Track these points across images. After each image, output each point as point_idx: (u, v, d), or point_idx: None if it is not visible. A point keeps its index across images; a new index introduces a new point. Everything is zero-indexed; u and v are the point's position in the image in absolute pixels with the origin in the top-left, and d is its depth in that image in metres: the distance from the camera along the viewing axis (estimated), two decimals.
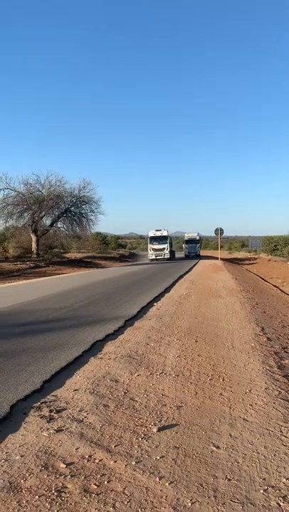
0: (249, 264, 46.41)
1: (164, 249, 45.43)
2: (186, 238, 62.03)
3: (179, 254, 60.58)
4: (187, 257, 56.72)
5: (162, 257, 44.98)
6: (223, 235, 48.31)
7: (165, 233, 46.37)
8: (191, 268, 27.76)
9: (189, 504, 2.63)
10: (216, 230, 45.94)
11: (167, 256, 45.10)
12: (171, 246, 48.06)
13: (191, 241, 60.11)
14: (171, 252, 47.81)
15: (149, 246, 46.48)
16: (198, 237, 60.90)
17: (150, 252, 45.99)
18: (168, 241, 45.83)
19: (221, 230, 46.28)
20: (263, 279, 24.07)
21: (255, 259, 55.65)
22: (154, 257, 45.39)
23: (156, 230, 46.67)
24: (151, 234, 46.61)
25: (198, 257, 54.86)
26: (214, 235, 48.29)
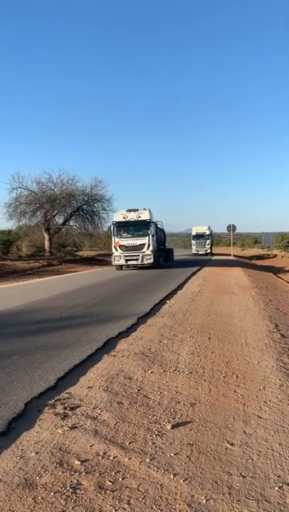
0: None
1: (142, 246, 23.60)
2: (193, 233, 51.28)
3: (184, 253, 49.64)
4: (195, 255, 46.84)
5: (139, 261, 23.62)
6: (236, 231, 47.92)
7: (145, 215, 24.32)
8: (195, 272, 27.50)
9: (204, 501, 2.63)
10: (229, 226, 45.53)
11: (149, 259, 23.61)
12: (160, 242, 27.85)
13: (199, 236, 50.01)
14: (161, 252, 27.52)
15: (115, 241, 24.22)
16: (208, 232, 50.15)
17: (116, 252, 24.07)
18: (151, 231, 23.93)
19: (234, 226, 45.85)
20: (276, 275, 23.92)
21: (268, 256, 54.98)
22: (122, 261, 23.93)
23: (129, 211, 24.81)
24: (118, 217, 24.92)
25: (211, 255, 46.49)
26: (226, 231, 47.89)
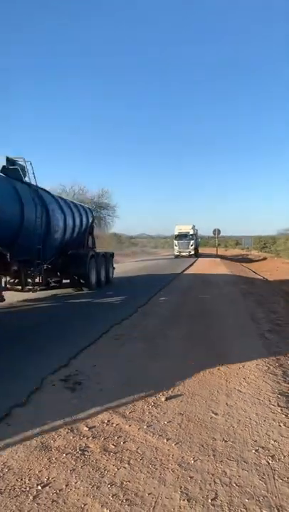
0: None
1: None
2: (176, 232, 38.82)
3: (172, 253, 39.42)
4: (177, 257, 36.07)
5: None
6: (220, 234, 47.66)
7: None
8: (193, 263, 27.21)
9: (192, 462, 2.63)
10: (214, 230, 45.54)
11: None
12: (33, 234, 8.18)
13: (182, 236, 37.94)
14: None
15: None
16: (192, 231, 38.36)
17: None
18: None
19: (218, 230, 45.85)
20: (253, 271, 23.91)
21: (246, 255, 54.41)
22: None
23: None
24: None
25: (195, 256, 35.53)
26: (212, 234, 47.69)
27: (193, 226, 39.03)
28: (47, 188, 10.51)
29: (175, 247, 37.89)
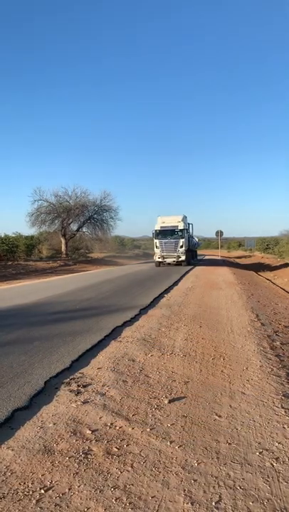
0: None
1: None
2: (157, 227, 24.77)
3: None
4: (160, 265, 24.56)
5: None
6: (223, 236, 47.43)
7: None
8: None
9: (196, 464, 2.62)
10: (217, 232, 45.31)
11: None
12: None
13: (167, 233, 24.39)
14: None
15: None
16: (181, 226, 24.37)
17: None
18: None
19: (221, 232, 45.59)
20: (257, 273, 23.85)
21: (249, 256, 54.09)
22: None
23: None
24: None
25: (186, 264, 24.38)
26: (215, 236, 47.50)
27: (184, 218, 25.41)
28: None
29: (156, 250, 24.88)
